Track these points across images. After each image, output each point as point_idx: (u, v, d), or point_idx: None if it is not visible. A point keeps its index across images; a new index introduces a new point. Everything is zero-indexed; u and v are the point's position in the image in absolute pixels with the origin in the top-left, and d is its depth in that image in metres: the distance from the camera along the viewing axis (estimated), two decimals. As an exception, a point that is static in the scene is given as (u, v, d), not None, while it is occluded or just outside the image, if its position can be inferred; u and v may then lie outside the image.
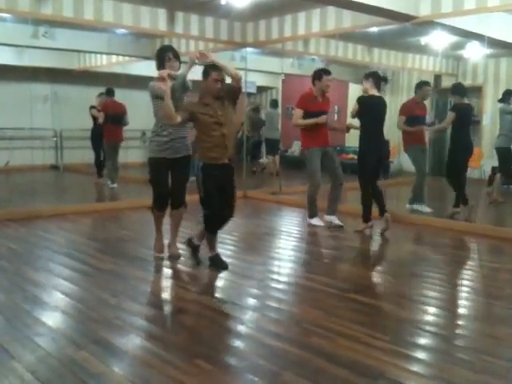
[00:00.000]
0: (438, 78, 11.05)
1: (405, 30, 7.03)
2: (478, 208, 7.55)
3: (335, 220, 6.12)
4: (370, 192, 5.78)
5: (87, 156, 9.68)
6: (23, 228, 5.79)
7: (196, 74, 4.37)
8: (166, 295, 3.95)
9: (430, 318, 3.40)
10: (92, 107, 9.29)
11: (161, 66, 4.32)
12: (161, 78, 4.00)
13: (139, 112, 7.84)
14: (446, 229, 6.19)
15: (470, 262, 4.97)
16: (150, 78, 4.36)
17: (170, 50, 4.36)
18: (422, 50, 9.32)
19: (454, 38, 7.60)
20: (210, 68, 4.12)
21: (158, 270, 4.42)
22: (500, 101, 8.02)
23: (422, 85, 7.05)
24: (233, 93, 4.20)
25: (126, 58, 10.21)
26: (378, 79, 5.81)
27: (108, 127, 8.79)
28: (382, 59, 10.03)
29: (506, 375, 2.64)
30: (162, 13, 7.37)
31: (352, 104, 6.09)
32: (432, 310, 3.56)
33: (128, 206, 7.12)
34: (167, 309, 3.67)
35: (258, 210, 7.19)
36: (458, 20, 6.23)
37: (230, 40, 8.14)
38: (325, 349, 2.82)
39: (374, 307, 3.65)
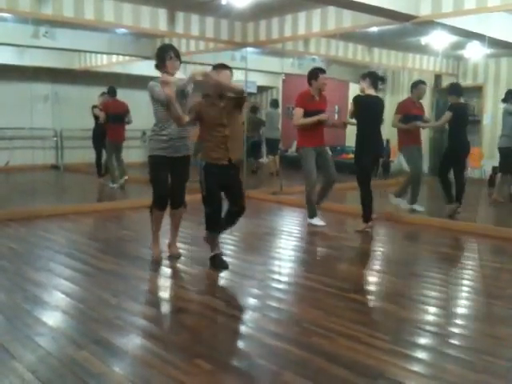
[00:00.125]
0: (438, 77, 11.06)
1: (405, 29, 7.03)
2: (479, 208, 7.57)
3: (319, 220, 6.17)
4: (369, 191, 5.79)
5: (88, 156, 9.67)
6: (24, 228, 5.80)
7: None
8: (166, 295, 3.96)
9: (430, 318, 3.40)
10: (94, 106, 9.30)
11: (161, 64, 4.31)
12: (164, 83, 4.01)
13: (139, 112, 7.85)
14: (446, 228, 6.19)
15: (470, 262, 4.97)
16: (151, 78, 4.35)
17: (172, 49, 4.35)
18: (423, 49, 9.32)
19: (454, 38, 7.60)
20: (214, 68, 4.22)
21: (159, 269, 4.42)
22: (503, 101, 8.00)
23: (417, 83, 7.07)
24: (238, 98, 4.23)
25: (127, 58, 10.21)
26: (375, 79, 5.81)
27: (110, 126, 8.82)
28: (383, 59, 10.03)
29: (507, 375, 2.64)
30: (162, 13, 7.37)
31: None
32: (432, 309, 3.56)
33: (129, 206, 7.12)
34: (168, 309, 3.68)
35: (258, 209, 7.19)
36: (459, 20, 6.23)
37: (231, 40, 8.14)
38: (325, 348, 2.82)
39: (374, 307, 3.66)
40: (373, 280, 4.37)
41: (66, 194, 8.92)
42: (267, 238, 5.78)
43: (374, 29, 7.41)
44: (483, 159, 9.93)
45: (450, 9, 5.90)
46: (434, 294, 3.90)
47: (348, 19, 6.92)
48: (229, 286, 4.11)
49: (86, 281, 4.08)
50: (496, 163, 8.18)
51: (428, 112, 10.21)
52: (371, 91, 5.77)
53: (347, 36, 8.25)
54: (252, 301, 3.73)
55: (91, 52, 10.22)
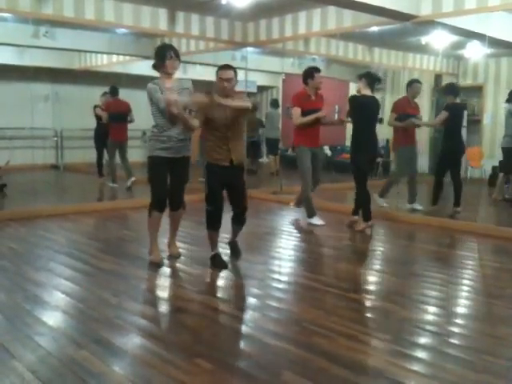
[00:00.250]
0: (438, 77, 11.06)
1: (405, 29, 7.03)
2: (479, 207, 7.57)
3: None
4: (366, 191, 5.80)
5: (88, 156, 9.69)
6: (24, 228, 5.80)
7: (196, 73, 4.38)
8: (166, 295, 3.95)
9: (430, 318, 3.40)
10: (96, 106, 9.31)
11: (160, 64, 4.30)
12: (170, 104, 4.02)
13: (140, 112, 7.86)
14: (446, 228, 6.19)
15: (470, 262, 4.97)
16: (151, 78, 4.35)
17: (171, 49, 4.34)
18: (423, 49, 9.32)
19: (454, 38, 7.60)
20: (219, 68, 4.22)
21: (159, 269, 4.42)
22: (507, 101, 7.99)
23: (412, 82, 7.10)
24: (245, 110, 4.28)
25: (127, 58, 10.22)
26: (372, 79, 5.83)
27: (112, 126, 8.83)
28: (383, 59, 10.04)
29: (507, 375, 2.64)
30: (162, 12, 7.38)
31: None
32: (432, 309, 3.56)
33: (129, 206, 7.13)
34: (168, 308, 3.67)
35: (258, 209, 7.19)
36: (459, 19, 6.25)
37: (231, 40, 8.15)
38: (325, 348, 2.82)
39: (374, 306, 3.66)
40: (372, 280, 4.37)
41: (67, 194, 8.92)
42: (267, 237, 5.78)
43: (375, 28, 7.42)
44: (483, 159, 9.93)
45: (450, 8, 5.91)
46: (433, 293, 3.90)
47: (348, 19, 6.94)
48: (229, 286, 4.11)
49: (86, 280, 4.08)
50: (496, 163, 8.18)
51: (428, 111, 10.24)
52: (367, 91, 5.79)
53: (347, 36, 8.26)
54: (252, 300, 3.74)
55: (91, 52, 10.24)
